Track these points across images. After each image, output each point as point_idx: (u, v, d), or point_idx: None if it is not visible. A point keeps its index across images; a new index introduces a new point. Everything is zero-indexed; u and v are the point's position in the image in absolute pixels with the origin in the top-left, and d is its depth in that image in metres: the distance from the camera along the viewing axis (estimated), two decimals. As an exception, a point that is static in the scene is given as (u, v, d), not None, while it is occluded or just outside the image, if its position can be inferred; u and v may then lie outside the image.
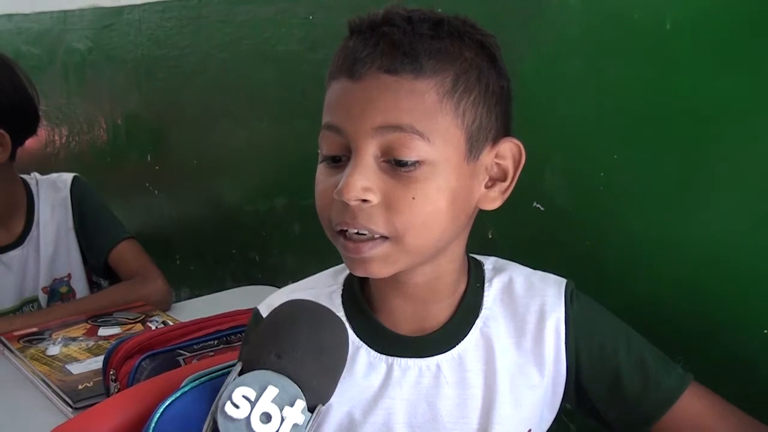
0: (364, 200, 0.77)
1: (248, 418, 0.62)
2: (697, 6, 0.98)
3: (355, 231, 0.78)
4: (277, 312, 0.70)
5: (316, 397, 0.65)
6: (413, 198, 0.77)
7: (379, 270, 0.80)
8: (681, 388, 0.88)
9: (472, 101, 0.79)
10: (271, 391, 0.62)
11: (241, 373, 0.64)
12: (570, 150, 1.16)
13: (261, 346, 0.66)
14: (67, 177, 1.84)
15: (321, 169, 0.83)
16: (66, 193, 1.81)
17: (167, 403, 0.94)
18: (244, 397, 0.62)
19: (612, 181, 1.10)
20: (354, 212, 0.77)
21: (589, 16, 1.10)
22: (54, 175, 1.85)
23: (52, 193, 1.80)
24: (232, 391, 0.62)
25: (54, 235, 1.79)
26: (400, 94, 0.77)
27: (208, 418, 0.63)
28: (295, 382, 0.63)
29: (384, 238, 0.78)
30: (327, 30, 1.58)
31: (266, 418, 0.62)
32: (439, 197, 0.78)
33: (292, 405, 0.62)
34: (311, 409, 0.64)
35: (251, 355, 0.66)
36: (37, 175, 1.84)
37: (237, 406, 0.62)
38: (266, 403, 0.62)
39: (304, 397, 0.63)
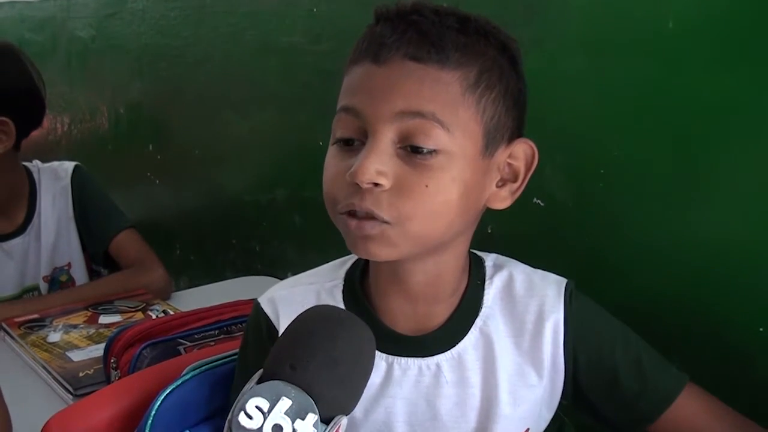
0: (377, 184, 0.76)
1: (260, 429, 0.61)
2: (699, 5, 0.99)
3: (363, 213, 0.78)
4: (297, 320, 0.69)
5: (334, 408, 0.64)
6: (426, 186, 0.76)
7: (378, 250, 0.79)
8: (677, 389, 0.88)
9: (492, 99, 0.80)
10: (284, 403, 0.62)
11: (259, 382, 0.64)
12: (570, 146, 1.16)
13: (278, 355, 0.66)
14: (68, 165, 1.84)
15: (333, 152, 0.82)
16: (67, 181, 1.80)
17: (168, 391, 0.95)
18: (257, 407, 0.62)
19: (612, 178, 1.11)
20: (363, 196, 0.77)
21: (592, 14, 1.11)
22: (55, 164, 1.84)
23: (53, 181, 1.80)
24: (247, 401, 0.62)
25: (55, 224, 1.79)
26: (425, 82, 0.77)
27: (225, 425, 0.63)
28: (309, 394, 0.63)
29: (387, 222, 0.78)
30: (330, 23, 1.58)
31: (278, 429, 0.61)
32: (452, 188, 0.78)
33: (303, 418, 0.62)
34: (327, 420, 0.64)
35: (270, 364, 0.65)
36: (38, 163, 1.83)
37: (250, 417, 0.62)
38: (279, 415, 0.62)
39: (316, 410, 0.62)
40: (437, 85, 0.77)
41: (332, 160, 0.82)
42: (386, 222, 0.77)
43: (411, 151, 0.77)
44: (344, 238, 0.82)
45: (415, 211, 0.77)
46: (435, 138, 0.76)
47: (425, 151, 0.77)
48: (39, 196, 1.77)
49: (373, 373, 0.86)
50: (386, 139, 0.77)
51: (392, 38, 0.78)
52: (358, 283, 0.91)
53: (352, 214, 0.79)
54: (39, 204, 1.77)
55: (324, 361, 0.65)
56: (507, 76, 0.82)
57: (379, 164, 0.76)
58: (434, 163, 0.77)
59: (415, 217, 0.77)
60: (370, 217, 0.78)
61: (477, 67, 0.79)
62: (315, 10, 1.62)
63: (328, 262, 0.97)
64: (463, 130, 0.78)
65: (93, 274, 1.88)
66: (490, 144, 0.81)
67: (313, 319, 0.70)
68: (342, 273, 0.93)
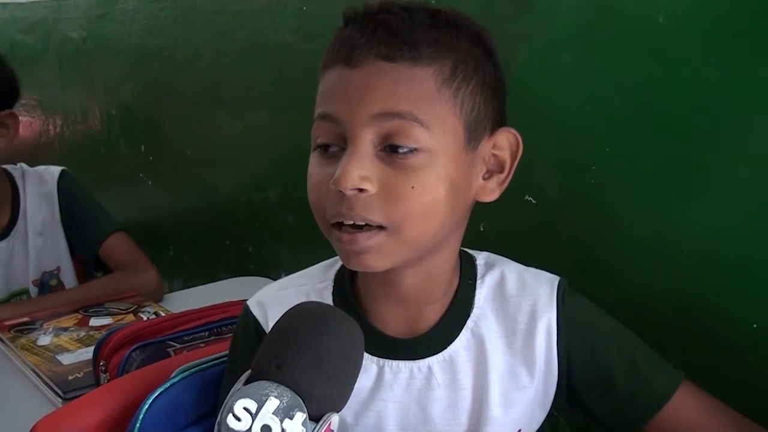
0: (362, 190, 0.75)
1: (249, 430, 0.61)
2: (690, -1, 0.98)
3: (351, 222, 0.76)
4: (284, 317, 0.69)
5: (323, 406, 0.63)
6: (412, 187, 0.75)
7: (374, 263, 0.78)
8: (672, 387, 0.87)
9: (470, 91, 0.79)
10: (272, 403, 0.61)
11: (247, 383, 0.64)
12: (562, 143, 1.15)
13: (265, 355, 0.65)
14: (55, 170, 1.82)
15: (314, 161, 0.81)
16: (53, 186, 1.79)
17: (156, 393, 0.94)
18: (245, 409, 0.61)
19: (604, 175, 1.10)
20: (350, 202, 0.75)
21: (582, 9, 1.10)
22: (41, 168, 1.83)
23: (38, 185, 1.78)
24: (234, 403, 0.61)
25: (41, 228, 1.78)
26: (399, 82, 0.76)
27: (215, 428, 0.62)
28: (297, 393, 0.62)
29: (381, 228, 0.76)
30: (320, 20, 1.58)
31: (267, 430, 0.61)
32: (438, 186, 0.77)
33: (292, 417, 0.61)
34: (317, 418, 0.63)
35: (257, 364, 0.65)
36: (24, 166, 1.82)
37: (239, 419, 0.61)
38: (267, 416, 0.61)
39: (304, 408, 0.62)
40: (412, 84, 0.76)
41: (314, 169, 0.81)
42: (381, 227, 0.76)
43: (392, 152, 0.76)
44: (336, 251, 0.82)
45: (406, 214, 0.76)
46: (414, 137, 0.75)
47: (406, 151, 0.75)
48: (23, 199, 1.76)
49: (364, 377, 0.87)
50: (366, 142, 0.76)
51: (362, 39, 0.77)
52: (348, 284, 0.91)
53: (341, 225, 0.78)
54: (24, 207, 1.76)
55: (311, 358, 0.64)
56: (483, 66, 0.81)
57: (361, 169, 0.75)
58: (417, 162, 0.76)
59: (406, 220, 0.76)
60: (363, 225, 0.76)
61: (451, 60, 0.78)
62: (304, 8, 1.61)
63: (321, 262, 0.97)
64: (442, 125, 0.77)
65: (86, 277, 1.87)
66: (473, 137, 0.79)
67: (299, 316, 0.69)
68: (332, 274, 0.93)
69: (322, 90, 0.81)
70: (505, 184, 0.85)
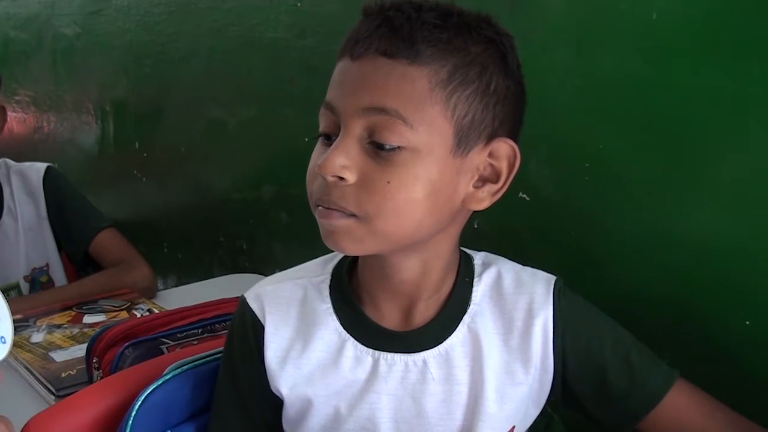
0: (341, 178, 0.77)
1: None
2: (683, -4, 0.98)
3: (330, 206, 0.78)
4: None
5: None
6: (388, 182, 0.76)
7: (345, 245, 0.80)
8: (666, 386, 0.87)
9: (466, 96, 0.78)
10: None
11: None
12: (556, 140, 1.15)
13: None
14: (40, 166, 1.81)
15: (316, 146, 0.83)
16: (37, 182, 1.78)
17: (149, 390, 0.95)
18: None
19: (597, 172, 1.10)
20: (329, 188, 0.77)
21: (576, 6, 1.10)
22: (26, 164, 1.82)
23: (21, 182, 1.77)
24: None
25: (26, 225, 1.76)
26: (391, 78, 0.76)
27: None
28: None
29: (353, 215, 0.78)
30: (314, 17, 1.57)
31: None
32: (415, 186, 0.77)
33: None
34: None
35: None
36: (7, 161, 1.81)
37: None
38: None
39: None
40: (403, 81, 0.76)
41: (314, 153, 0.83)
42: (353, 215, 0.77)
43: (376, 147, 0.77)
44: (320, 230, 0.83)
45: (377, 208, 0.77)
46: (398, 134, 0.76)
47: (388, 147, 0.76)
48: (9, 194, 1.74)
49: (359, 368, 0.88)
50: (354, 134, 0.77)
51: (366, 33, 0.78)
52: (345, 278, 0.91)
53: (322, 206, 0.79)
54: (7, 203, 1.74)
55: None
56: (490, 72, 0.79)
57: (343, 158, 0.77)
58: (397, 159, 0.76)
59: (379, 214, 0.77)
60: (337, 208, 0.78)
61: (451, 62, 0.77)
62: (299, 4, 1.61)
63: (314, 259, 0.97)
64: (429, 126, 0.77)
65: (76, 273, 1.85)
66: (463, 142, 0.79)
67: None
68: (330, 268, 0.93)
69: (331, 79, 0.82)
70: (499, 195, 0.83)
